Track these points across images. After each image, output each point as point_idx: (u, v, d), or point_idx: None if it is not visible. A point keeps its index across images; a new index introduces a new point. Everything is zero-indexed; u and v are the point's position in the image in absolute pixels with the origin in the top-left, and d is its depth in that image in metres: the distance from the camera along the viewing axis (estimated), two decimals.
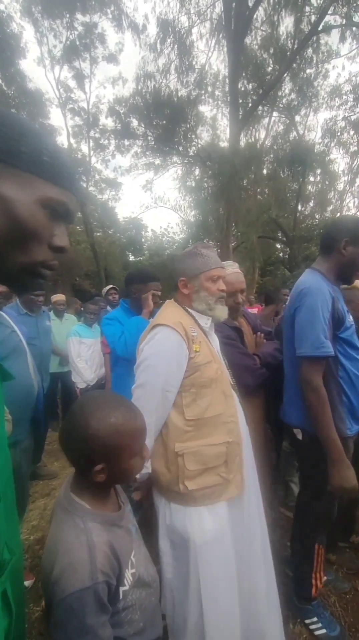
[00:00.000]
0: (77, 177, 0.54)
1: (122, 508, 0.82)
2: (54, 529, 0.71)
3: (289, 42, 11.02)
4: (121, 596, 0.70)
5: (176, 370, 1.12)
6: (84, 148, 15.64)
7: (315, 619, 1.57)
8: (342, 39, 10.87)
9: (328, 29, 10.61)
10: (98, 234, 16.43)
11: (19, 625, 0.56)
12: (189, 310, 1.26)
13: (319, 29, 10.05)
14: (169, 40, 11.68)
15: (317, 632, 1.53)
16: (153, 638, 0.79)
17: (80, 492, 0.74)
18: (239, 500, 1.18)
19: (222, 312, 1.25)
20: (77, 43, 13.60)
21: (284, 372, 1.62)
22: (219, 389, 1.18)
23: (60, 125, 15.30)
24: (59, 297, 4.10)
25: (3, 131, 0.44)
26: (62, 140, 15.08)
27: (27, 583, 1.51)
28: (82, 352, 3.31)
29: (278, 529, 2.26)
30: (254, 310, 6.52)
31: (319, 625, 1.55)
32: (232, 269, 1.67)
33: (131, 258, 19.33)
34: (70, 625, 0.60)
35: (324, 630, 1.53)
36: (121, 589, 0.71)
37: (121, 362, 2.06)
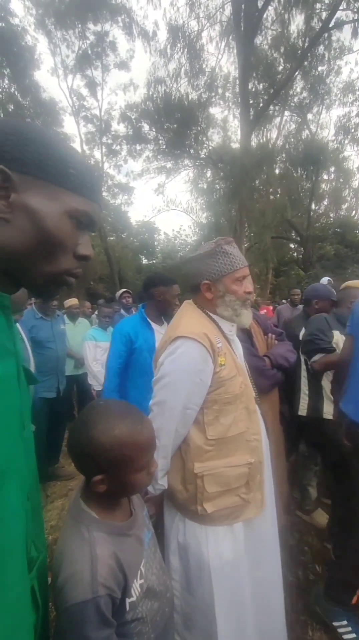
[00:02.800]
0: (100, 187, 0.56)
1: (134, 515, 0.79)
2: (62, 536, 0.71)
3: (300, 40, 10.95)
4: (127, 607, 0.68)
5: (200, 388, 1.03)
6: (97, 154, 15.96)
7: (345, 622, 1.51)
8: (354, 34, 10.64)
9: (339, 25, 10.45)
10: (111, 238, 16.67)
11: (45, 621, 0.59)
12: (212, 315, 1.14)
13: (330, 25, 9.92)
14: (179, 45, 11.78)
15: (346, 637, 1.47)
16: None
17: (89, 499, 0.72)
18: (258, 521, 1.11)
19: (247, 317, 1.15)
20: (89, 52, 13.90)
21: (351, 371, 1.63)
22: (242, 405, 1.10)
23: (73, 133, 15.63)
24: (73, 302, 4.17)
25: (32, 146, 0.46)
26: (76, 147, 15.38)
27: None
28: (98, 355, 3.35)
29: (295, 533, 2.23)
30: (264, 312, 6.46)
31: (349, 629, 1.49)
32: None
33: (144, 261, 19.49)
34: (70, 637, 0.59)
35: (354, 635, 1.46)
36: (128, 600, 0.68)
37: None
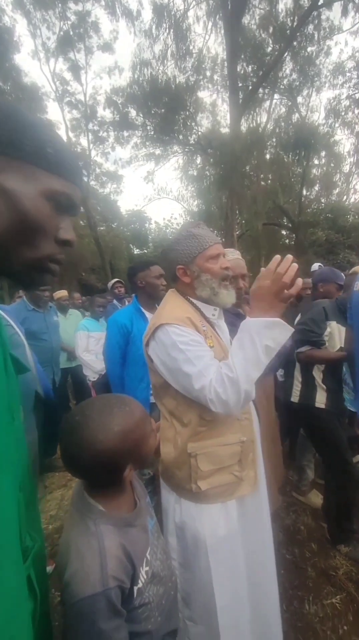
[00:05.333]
0: (80, 168, 0.54)
1: (138, 505, 0.80)
2: (68, 529, 0.71)
3: (288, 19, 10.66)
4: (135, 594, 0.69)
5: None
6: (83, 141, 15.50)
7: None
8: (344, 12, 10.45)
9: (329, 3, 10.23)
10: (102, 228, 16.39)
11: (44, 608, 0.59)
12: (193, 300, 1.15)
13: (319, 3, 9.69)
14: (164, 25, 11.43)
15: None
16: (171, 629, 0.80)
17: (95, 492, 0.72)
18: (251, 498, 1.15)
19: (228, 296, 1.13)
20: (71, 33, 13.34)
21: (356, 361, 1.63)
22: None
23: (58, 120, 15.06)
24: (62, 294, 4.12)
25: (6, 124, 0.44)
26: (61, 134, 14.92)
27: (48, 569, 1.57)
28: (91, 345, 3.33)
29: (291, 514, 2.29)
30: None
31: None
32: (233, 256, 1.65)
33: (136, 251, 19.28)
34: (82, 629, 0.60)
35: None
36: (135, 587, 0.70)
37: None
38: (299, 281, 0.92)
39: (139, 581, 0.71)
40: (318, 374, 2.05)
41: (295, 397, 2.13)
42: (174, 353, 1.00)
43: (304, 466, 2.47)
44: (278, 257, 0.92)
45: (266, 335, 0.92)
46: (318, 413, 2.00)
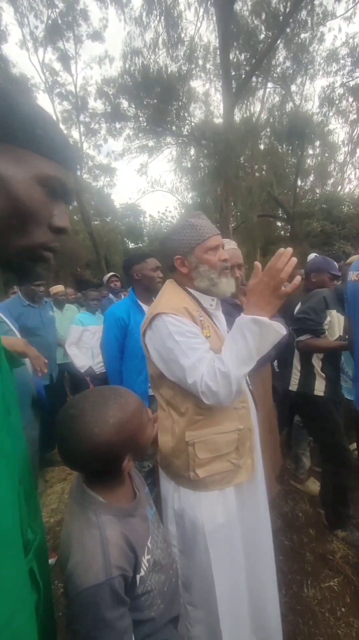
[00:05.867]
0: (73, 152, 0.52)
1: (138, 495, 0.81)
2: (68, 522, 0.71)
3: (281, 5, 10.46)
4: (137, 582, 0.70)
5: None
6: (75, 134, 15.23)
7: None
8: None
9: None
10: (96, 222, 16.21)
11: (47, 600, 0.59)
12: (191, 291, 1.15)
13: None
14: (155, 13, 11.17)
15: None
16: (173, 616, 0.81)
17: (94, 484, 0.73)
18: (248, 485, 1.16)
19: (227, 285, 1.13)
20: (59, 22, 13.01)
21: (355, 351, 1.62)
22: None
23: (48, 112, 14.76)
24: (58, 289, 4.09)
25: None
26: None
27: (51, 561, 1.60)
28: (87, 339, 3.30)
29: (289, 501, 2.33)
30: None
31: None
32: (230, 246, 1.64)
33: (131, 245, 19.13)
34: (86, 619, 0.60)
35: None
36: (137, 576, 0.70)
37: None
38: (298, 279, 0.91)
39: (141, 569, 0.72)
40: (317, 362, 2.05)
41: (294, 386, 2.13)
42: (169, 343, 1.00)
43: (299, 454, 2.51)
44: (281, 250, 0.90)
45: (257, 332, 0.93)
46: (316, 401, 2.02)
